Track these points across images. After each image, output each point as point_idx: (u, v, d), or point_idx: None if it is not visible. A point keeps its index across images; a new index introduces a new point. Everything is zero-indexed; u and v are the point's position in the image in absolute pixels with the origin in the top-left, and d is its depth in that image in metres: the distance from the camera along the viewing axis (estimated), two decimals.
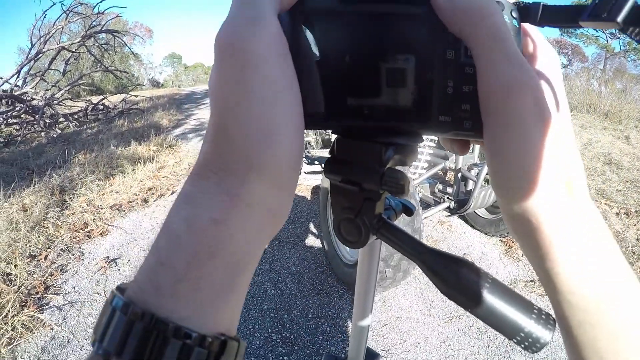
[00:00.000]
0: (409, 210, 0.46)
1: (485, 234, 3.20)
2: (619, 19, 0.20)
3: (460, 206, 2.62)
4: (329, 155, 0.34)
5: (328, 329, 2.09)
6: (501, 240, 3.00)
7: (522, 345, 0.26)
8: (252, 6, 0.22)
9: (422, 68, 0.25)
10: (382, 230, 0.36)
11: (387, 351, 1.94)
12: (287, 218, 0.25)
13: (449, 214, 2.72)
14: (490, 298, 0.27)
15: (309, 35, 0.26)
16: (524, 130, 0.22)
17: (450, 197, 2.73)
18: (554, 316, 0.26)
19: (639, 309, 0.23)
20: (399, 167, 0.33)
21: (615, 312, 0.23)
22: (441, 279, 0.29)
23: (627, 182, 4.48)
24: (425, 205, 2.97)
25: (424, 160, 2.98)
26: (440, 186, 2.92)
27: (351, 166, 0.32)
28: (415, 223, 1.94)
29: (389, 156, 0.31)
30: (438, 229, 3.33)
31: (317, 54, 0.26)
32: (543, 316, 0.26)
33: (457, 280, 0.28)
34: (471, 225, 3.36)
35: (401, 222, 1.91)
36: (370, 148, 0.31)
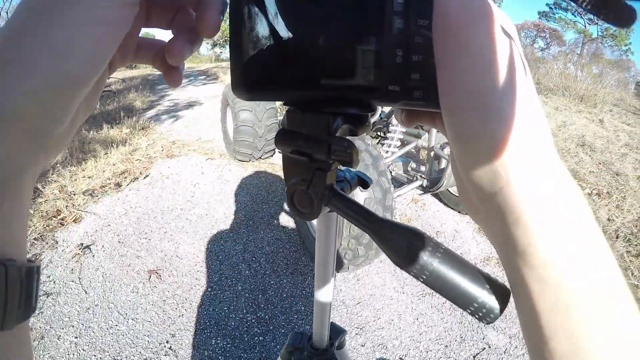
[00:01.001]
0: (364, 183, 0.47)
1: (459, 212, 3.28)
2: None
3: (433, 184, 2.67)
4: (280, 128, 0.34)
5: (302, 308, 2.13)
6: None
7: (477, 316, 0.26)
8: None
9: (369, 37, 0.25)
10: (333, 201, 0.35)
11: (361, 328, 2.00)
12: (59, 150, 0.24)
13: (422, 192, 2.77)
14: (442, 268, 0.27)
15: (254, 7, 0.27)
16: (487, 59, 0.21)
17: (423, 176, 2.78)
18: (508, 286, 0.25)
19: (620, 291, 0.21)
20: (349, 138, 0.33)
21: (597, 296, 0.20)
22: (392, 249, 0.29)
23: (600, 164, 4.61)
24: (399, 184, 3.02)
25: (397, 139, 3.01)
26: (413, 164, 2.97)
27: (300, 137, 0.32)
28: (387, 201, 1.98)
29: (336, 126, 0.31)
30: (412, 207, 3.39)
31: (264, 22, 0.26)
32: (497, 287, 0.26)
33: (408, 250, 0.28)
34: (444, 204, 3.43)
35: (373, 199, 1.94)
36: (318, 119, 0.31)
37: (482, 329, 2.01)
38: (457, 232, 2.98)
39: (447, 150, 2.56)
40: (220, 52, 32.50)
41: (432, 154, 2.72)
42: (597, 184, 3.89)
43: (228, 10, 0.28)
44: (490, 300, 0.25)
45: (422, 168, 2.90)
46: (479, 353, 1.89)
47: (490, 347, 1.92)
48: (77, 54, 0.21)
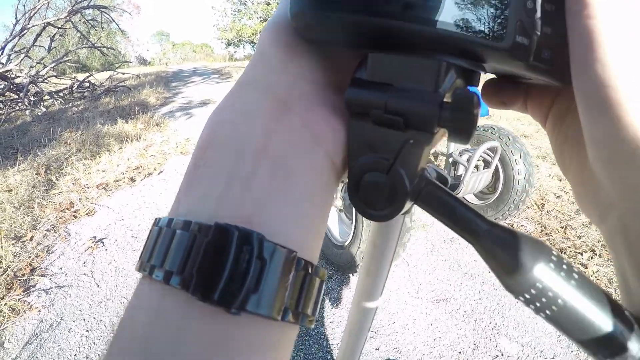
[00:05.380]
0: (443, 179, 0.35)
1: None
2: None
3: (451, 191, 2.63)
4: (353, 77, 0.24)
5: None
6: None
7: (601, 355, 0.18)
8: None
9: None
10: (426, 195, 0.24)
11: (375, 332, 1.96)
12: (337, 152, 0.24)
13: None
14: (576, 301, 0.19)
15: None
16: None
17: None
18: None
19: None
20: None
21: None
22: (505, 268, 0.20)
23: None
24: None
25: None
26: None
27: (393, 90, 0.22)
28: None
29: (450, 80, 0.21)
30: (426, 214, 3.35)
31: None
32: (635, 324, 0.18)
33: (529, 271, 0.19)
34: None
35: None
36: (425, 64, 0.21)
37: (496, 337, 1.96)
38: None
39: (465, 157, 2.52)
40: (235, 52, 32.64)
41: (450, 160, 2.68)
42: None
43: None
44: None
45: None
46: None
47: (503, 354, 1.88)
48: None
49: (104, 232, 2.73)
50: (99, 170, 3.78)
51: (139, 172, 3.83)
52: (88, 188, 3.39)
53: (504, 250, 0.21)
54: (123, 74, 9.52)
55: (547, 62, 0.19)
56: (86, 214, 2.97)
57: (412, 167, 0.23)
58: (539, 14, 0.19)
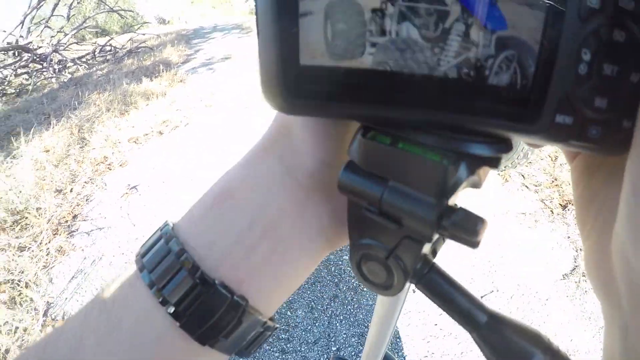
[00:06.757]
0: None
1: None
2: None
3: None
4: (348, 158, 0.21)
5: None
6: (498, 174, 2.93)
7: None
8: None
9: (550, 19, 0.14)
10: (425, 281, 0.23)
11: None
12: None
13: None
14: None
15: None
16: None
17: None
18: None
19: None
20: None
21: None
22: None
23: None
24: None
25: None
26: None
27: (386, 187, 0.19)
28: None
29: (460, 178, 0.18)
30: None
31: None
32: None
33: None
34: None
35: None
36: (430, 163, 0.18)
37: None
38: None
39: None
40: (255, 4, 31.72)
41: None
42: None
43: None
44: None
45: None
46: None
47: (498, 290, 1.86)
48: None
49: (137, 180, 2.85)
50: (129, 126, 3.88)
51: (167, 126, 3.90)
52: (119, 143, 3.50)
53: (501, 343, 0.20)
54: (143, 34, 9.51)
55: (593, 141, 0.15)
56: (119, 166, 3.09)
57: (411, 259, 0.21)
58: (594, 83, 0.14)
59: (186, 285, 0.23)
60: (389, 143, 0.19)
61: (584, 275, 1.72)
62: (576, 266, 1.80)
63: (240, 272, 0.24)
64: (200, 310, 0.23)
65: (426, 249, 0.21)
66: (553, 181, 2.27)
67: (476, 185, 0.19)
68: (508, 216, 2.10)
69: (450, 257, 1.86)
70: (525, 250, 1.91)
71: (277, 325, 0.27)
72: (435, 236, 0.20)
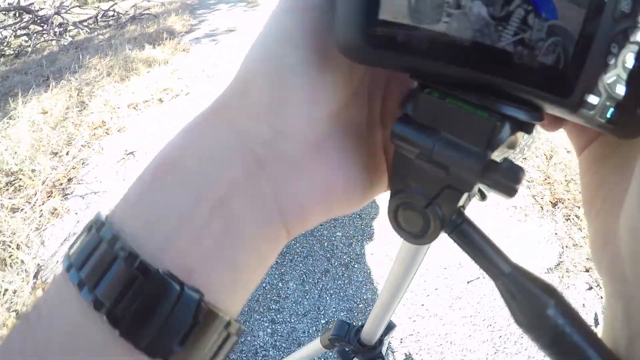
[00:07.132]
0: (482, 195, 0.33)
1: None
2: None
3: None
4: (401, 109, 0.23)
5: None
6: None
7: None
8: None
9: (590, 16, 0.16)
10: (459, 232, 0.24)
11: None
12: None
13: None
14: (574, 347, 0.20)
15: None
16: None
17: None
18: None
19: None
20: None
21: None
22: (523, 309, 0.22)
23: None
24: None
25: None
26: None
27: (439, 139, 0.21)
28: None
29: (503, 136, 0.20)
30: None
31: None
32: None
33: (540, 318, 0.21)
34: None
35: None
36: (479, 119, 0.20)
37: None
38: None
39: None
40: None
41: None
42: None
43: None
44: None
45: None
46: None
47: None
48: None
49: (134, 145, 2.81)
50: (129, 92, 3.83)
51: (167, 94, 3.85)
52: (119, 108, 3.45)
53: (520, 292, 0.22)
54: (148, 1, 9.38)
55: (611, 122, 0.18)
56: (118, 131, 3.05)
57: (450, 207, 0.23)
58: (618, 72, 0.17)
59: (123, 279, 0.18)
60: (442, 99, 0.21)
61: (567, 272, 1.75)
62: (561, 262, 1.81)
63: (189, 258, 0.19)
64: (143, 308, 0.18)
65: (462, 201, 0.23)
66: (546, 179, 2.29)
67: (512, 145, 0.22)
68: (499, 208, 2.11)
69: (441, 243, 1.82)
70: (514, 242, 1.93)
71: (244, 328, 0.22)
72: (476, 187, 0.23)
